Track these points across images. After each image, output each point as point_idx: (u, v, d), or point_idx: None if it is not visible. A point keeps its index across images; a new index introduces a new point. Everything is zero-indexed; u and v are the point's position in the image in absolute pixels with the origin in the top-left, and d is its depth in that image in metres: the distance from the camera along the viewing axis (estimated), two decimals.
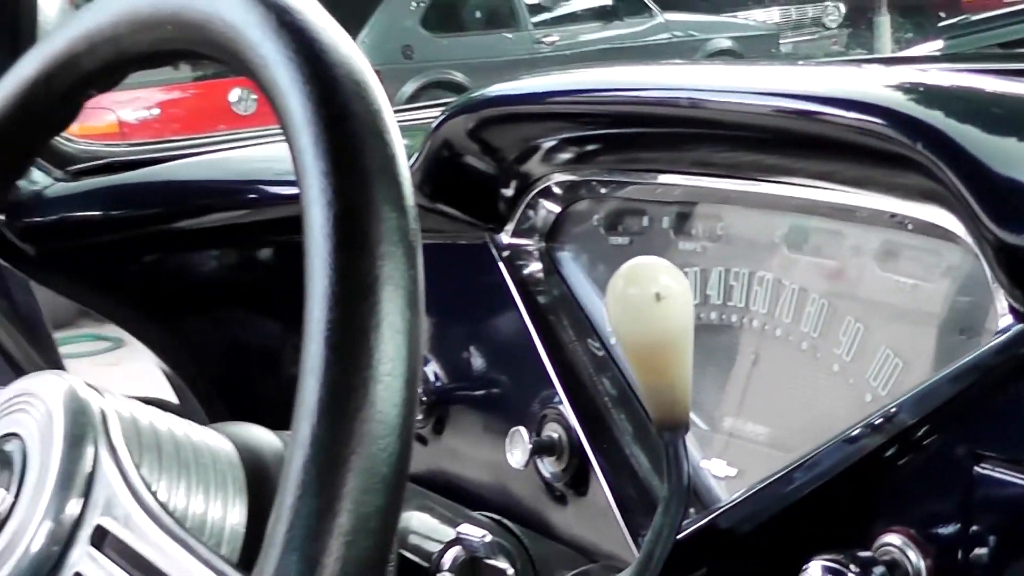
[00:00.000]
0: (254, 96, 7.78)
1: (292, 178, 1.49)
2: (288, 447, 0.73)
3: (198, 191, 1.67)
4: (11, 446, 0.89)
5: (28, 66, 1.01)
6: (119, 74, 0.99)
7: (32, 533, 0.85)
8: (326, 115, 0.78)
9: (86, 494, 0.85)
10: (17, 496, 0.86)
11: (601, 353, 1.32)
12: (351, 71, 0.80)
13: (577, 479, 1.27)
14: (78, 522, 0.84)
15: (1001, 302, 0.97)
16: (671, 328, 0.96)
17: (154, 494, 0.84)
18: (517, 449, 1.29)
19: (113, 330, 2.88)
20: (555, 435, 1.28)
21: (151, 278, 1.65)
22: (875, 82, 1.08)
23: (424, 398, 1.43)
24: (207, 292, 1.66)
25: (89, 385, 0.90)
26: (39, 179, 1.63)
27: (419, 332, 0.75)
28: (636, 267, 0.97)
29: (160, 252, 1.66)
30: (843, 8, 9.42)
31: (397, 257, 0.75)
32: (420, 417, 1.42)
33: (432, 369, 1.44)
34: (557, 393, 1.29)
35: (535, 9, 10.41)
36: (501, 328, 1.39)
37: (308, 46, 0.81)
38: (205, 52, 0.90)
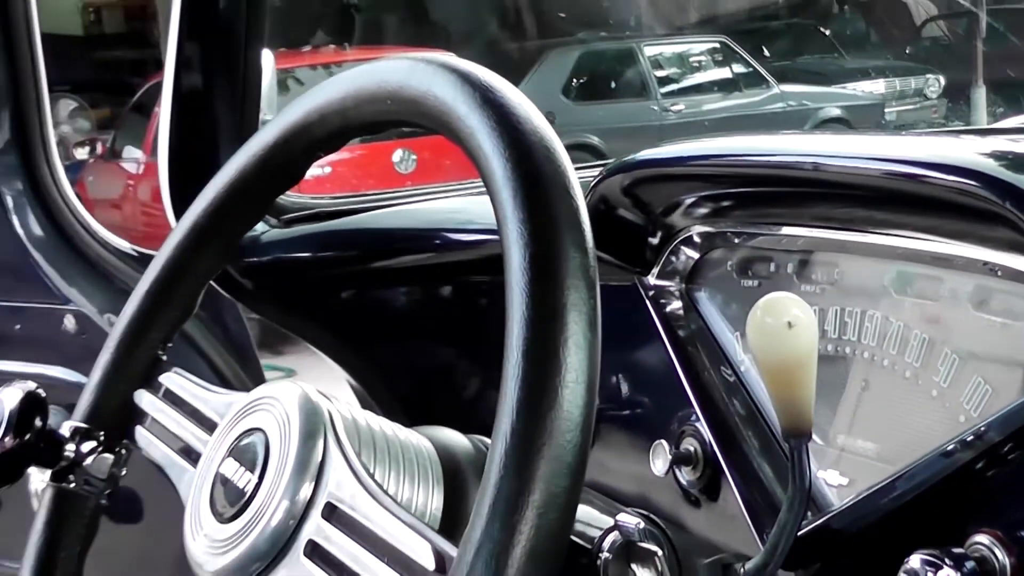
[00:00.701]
0: (414, 156, 7.74)
1: (472, 226, 1.58)
2: (492, 439, 0.78)
3: (391, 237, 1.69)
4: (255, 438, 0.94)
5: (269, 133, 1.07)
6: (342, 140, 1.04)
7: (273, 509, 0.89)
8: (523, 174, 0.84)
9: (318, 478, 0.90)
10: (261, 479, 0.91)
11: (732, 379, 1.32)
12: (542, 139, 0.86)
13: (710, 486, 1.28)
14: (311, 501, 0.89)
15: None
16: (800, 351, 0.99)
17: (372, 477, 0.89)
18: (659, 459, 1.31)
19: (286, 362, 2.92)
20: (692, 448, 1.29)
21: (349, 310, 1.67)
22: (970, 149, 1.09)
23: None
24: (395, 322, 1.68)
25: (319, 391, 0.96)
26: (258, 226, 1.64)
27: (597, 348, 0.80)
28: (772, 300, 1.00)
29: (357, 288, 1.68)
30: (943, 80, 9.23)
31: (580, 289, 0.81)
32: None
33: None
34: (695, 412, 1.30)
35: (663, 81, 10.32)
36: (646, 357, 1.39)
37: (507, 118, 0.86)
38: (419, 123, 0.95)
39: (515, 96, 0.90)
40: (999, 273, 1.08)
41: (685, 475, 1.30)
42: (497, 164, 0.85)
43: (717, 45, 9.12)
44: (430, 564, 0.82)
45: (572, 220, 0.84)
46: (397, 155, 7.81)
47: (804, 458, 1.03)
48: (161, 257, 1.13)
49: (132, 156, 9.37)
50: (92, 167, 8.86)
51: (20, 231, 1.80)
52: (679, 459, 1.30)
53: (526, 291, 0.81)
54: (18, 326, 1.81)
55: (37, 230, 1.80)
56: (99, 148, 8.88)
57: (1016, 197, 0.99)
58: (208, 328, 1.51)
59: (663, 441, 1.32)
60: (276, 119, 1.07)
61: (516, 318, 0.80)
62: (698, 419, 1.30)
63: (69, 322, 1.73)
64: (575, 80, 10.24)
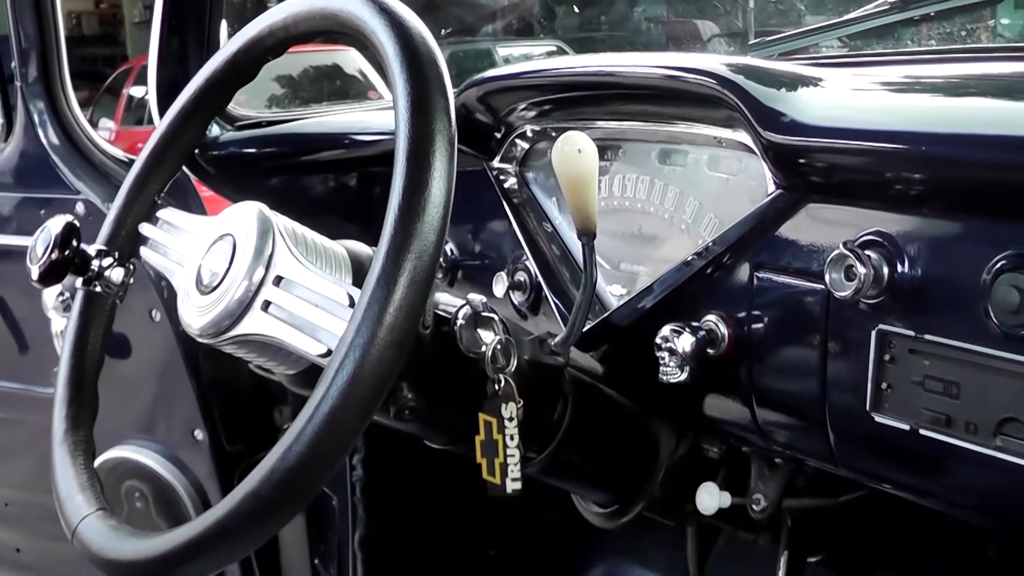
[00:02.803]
0: None
1: (371, 130, 1.59)
2: (379, 242, 0.84)
3: (313, 139, 1.70)
4: (225, 240, 0.99)
5: (235, 43, 1.11)
6: (285, 47, 1.09)
7: (239, 283, 0.94)
8: (411, 75, 0.88)
9: (268, 262, 0.95)
10: (230, 264, 0.96)
11: (550, 231, 1.37)
12: (430, 51, 0.90)
13: (535, 304, 1.34)
14: (264, 276, 0.94)
15: (770, 180, 1.06)
16: (586, 169, 1.05)
17: (304, 263, 0.95)
18: (499, 286, 1.37)
19: None
20: (522, 278, 1.35)
21: (283, 191, 1.68)
22: (716, 62, 1.12)
23: (443, 262, 1.45)
24: (316, 201, 1.69)
25: (268, 209, 1.00)
26: (217, 130, 1.67)
27: (450, 188, 0.86)
28: (568, 135, 1.06)
29: (289, 175, 1.70)
30: None
31: (445, 155, 0.86)
32: (440, 275, 1.45)
33: (449, 247, 1.46)
34: (525, 253, 1.35)
35: None
36: (492, 218, 1.41)
37: (400, 24, 0.91)
38: (338, 31, 0.99)
39: (407, 13, 0.93)
40: (723, 144, 1.16)
41: (517, 297, 1.36)
42: (395, 65, 0.89)
43: (554, 48, 9.03)
44: (345, 301, 0.90)
45: (444, 111, 0.87)
46: None
47: (592, 253, 1.09)
48: (158, 131, 1.17)
49: (106, 126, 9.18)
50: None
51: (44, 140, 1.84)
52: (513, 285, 1.36)
53: (407, 147, 0.85)
54: (43, 211, 1.84)
55: (55, 140, 1.84)
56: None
57: (734, 89, 1.06)
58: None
59: (502, 274, 1.38)
60: (239, 34, 1.11)
61: (400, 163, 0.85)
62: (527, 259, 1.35)
63: (79, 208, 1.79)
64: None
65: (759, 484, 1.22)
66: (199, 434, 1.77)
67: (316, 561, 1.81)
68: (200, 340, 0.99)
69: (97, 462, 1.07)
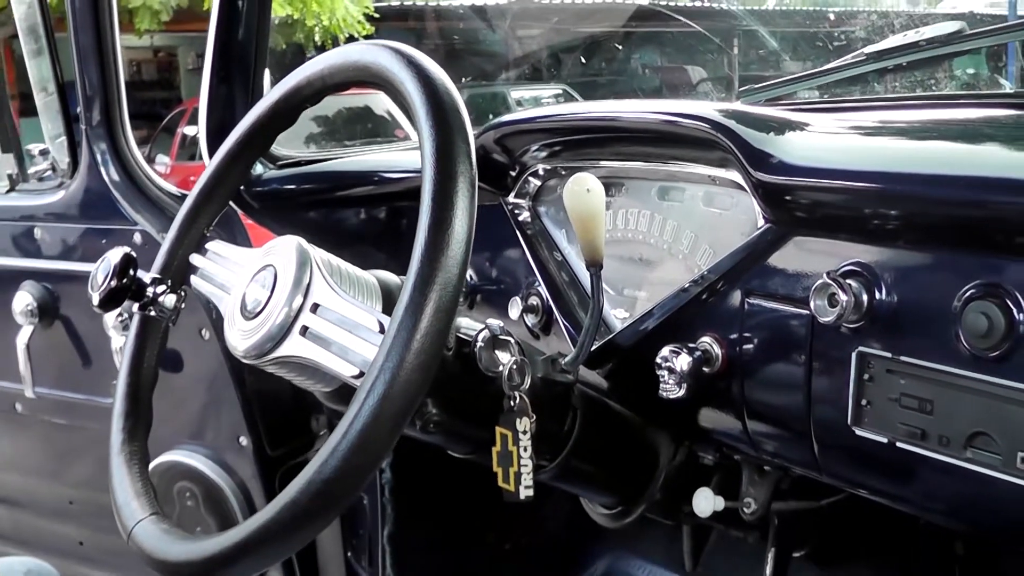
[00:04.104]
0: None
1: (399, 168, 1.58)
2: (408, 273, 0.83)
3: (347, 176, 1.69)
4: (268, 270, 0.98)
5: (276, 93, 1.10)
6: (321, 96, 1.07)
7: (279, 310, 0.94)
8: (435, 110, 0.88)
9: (307, 291, 0.94)
10: (272, 293, 0.95)
11: (560, 259, 1.36)
12: (449, 91, 0.90)
13: (546, 326, 1.33)
14: (303, 304, 0.93)
15: (759, 215, 1.05)
16: (593, 206, 1.05)
17: (339, 288, 0.94)
18: (514, 309, 1.36)
19: None
20: (535, 302, 1.34)
21: (320, 224, 1.68)
22: (709, 108, 1.12)
23: (464, 288, 1.45)
24: (349, 233, 1.68)
25: (306, 241, 0.99)
26: (261, 168, 1.67)
27: (472, 224, 0.85)
28: (578, 176, 1.06)
29: (326, 209, 1.68)
30: None
31: (466, 191, 0.85)
32: (461, 300, 1.48)
33: (469, 273, 1.38)
34: (537, 280, 1.34)
35: None
36: (507, 248, 1.40)
37: (426, 79, 0.90)
38: (369, 81, 0.98)
39: (432, 66, 0.93)
40: (717, 182, 1.16)
41: (530, 319, 1.35)
42: (422, 113, 0.88)
43: (560, 91, 9.05)
44: (375, 327, 0.89)
45: (467, 157, 0.87)
46: None
47: (599, 281, 1.09)
48: (208, 171, 1.16)
49: (162, 161, 9.21)
50: None
51: (106, 177, 1.83)
52: (527, 309, 1.35)
53: (432, 188, 0.84)
54: (104, 240, 1.84)
55: (116, 177, 1.83)
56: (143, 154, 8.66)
57: (726, 132, 1.06)
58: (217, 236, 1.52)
59: (516, 298, 1.37)
60: (280, 84, 1.10)
61: (426, 202, 0.84)
62: (539, 284, 1.34)
63: (137, 238, 1.78)
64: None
65: (750, 489, 1.21)
66: (244, 440, 1.76)
67: (349, 555, 1.80)
68: (244, 361, 0.98)
69: (151, 465, 1.06)
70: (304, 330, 0.93)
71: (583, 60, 10.31)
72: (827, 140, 1.08)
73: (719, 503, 1.19)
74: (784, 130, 1.09)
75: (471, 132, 0.89)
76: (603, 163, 1.30)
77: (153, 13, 9.15)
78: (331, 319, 0.92)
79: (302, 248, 0.98)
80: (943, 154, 1.01)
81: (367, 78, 0.99)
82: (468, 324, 1.03)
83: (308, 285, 0.95)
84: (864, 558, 1.45)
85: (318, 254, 0.98)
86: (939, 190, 0.91)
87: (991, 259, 0.87)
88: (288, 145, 1.75)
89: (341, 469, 0.81)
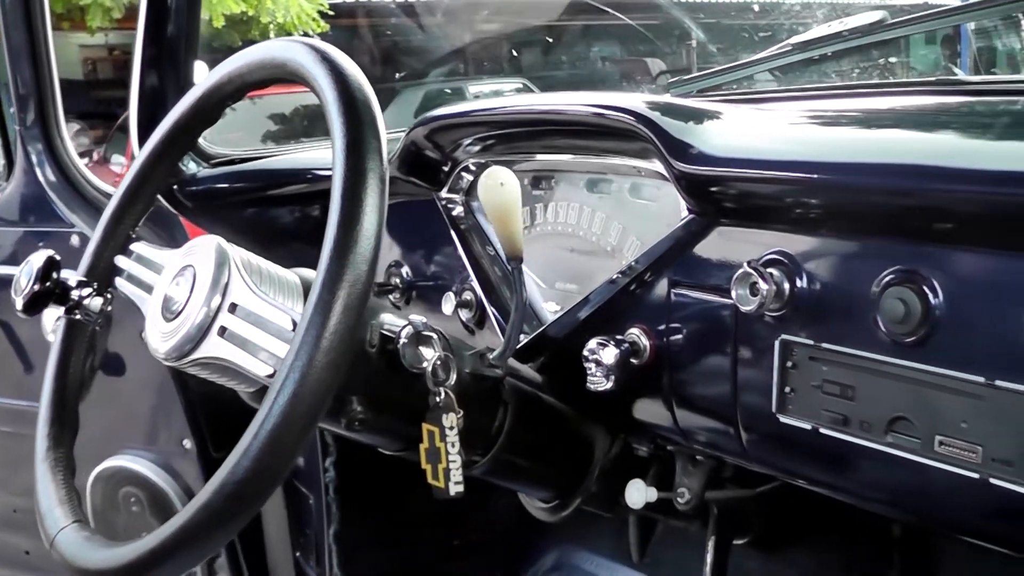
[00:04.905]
0: None
1: (330, 166, 1.55)
2: (316, 272, 0.83)
3: (280, 174, 1.68)
4: (187, 270, 0.97)
5: (196, 92, 1.09)
6: (242, 94, 1.07)
7: (198, 310, 0.93)
8: (347, 119, 0.87)
9: (224, 291, 0.93)
10: (191, 293, 0.94)
11: (493, 254, 1.36)
12: (365, 97, 0.89)
13: (479, 321, 1.33)
14: (221, 304, 0.92)
15: (683, 206, 1.06)
16: (509, 200, 1.05)
17: (259, 288, 0.94)
18: (448, 304, 1.35)
19: None
20: (468, 297, 1.34)
21: (252, 222, 1.66)
22: (637, 100, 1.12)
23: (399, 284, 1.44)
24: (282, 232, 1.67)
25: (226, 241, 0.98)
26: (193, 166, 1.65)
27: (381, 221, 0.84)
28: (491, 170, 1.06)
29: (258, 207, 1.67)
30: None
31: (376, 191, 0.84)
32: (397, 295, 1.44)
33: (404, 270, 1.45)
34: (470, 275, 1.34)
35: None
36: (441, 244, 1.40)
37: (339, 74, 0.90)
38: (288, 78, 0.98)
39: (346, 62, 0.92)
40: (643, 174, 1.16)
41: (464, 314, 1.35)
42: (331, 100, 0.88)
43: (520, 85, 9.02)
44: (289, 326, 0.89)
45: (376, 150, 0.86)
46: None
47: (521, 275, 1.09)
48: (131, 171, 1.15)
49: (118, 161, 9.11)
50: (91, 169, 8.57)
51: (41, 179, 1.81)
52: (461, 304, 1.35)
53: (341, 184, 0.84)
54: (41, 243, 1.80)
55: (52, 178, 1.81)
56: (95, 156, 8.60)
57: (649, 124, 1.06)
58: (156, 235, 1.50)
59: (450, 293, 1.37)
60: (200, 84, 1.10)
61: (336, 200, 0.84)
62: (472, 280, 1.34)
63: (74, 240, 1.75)
64: (423, 111, 9.89)
65: (683, 479, 1.21)
66: (188, 443, 1.74)
67: (298, 555, 1.80)
68: (166, 363, 0.97)
69: (96, 471, 1.05)
70: (222, 331, 0.92)
71: (543, 53, 10.31)
72: (748, 130, 1.08)
73: (651, 494, 1.19)
74: (706, 121, 1.09)
75: (383, 128, 0.88)
76: (535, 157, 1.30)
77: (105, 10, 9.02)
78: (248, 319, 0.92)
79: (221, 248, 0.97)
80: (863, 143, 1.02)
81: (284, 75, 0.98)
82: (392, 321, 1.02)
83: (226, 285, 0.94)
84: (807, 544, 1.46)
85: (237, 253, 0.97)
86: (857, 178, 0.91)
87: (909, 246, 0.87)
88: (244, 144, 1.74)
89: (253, 470, 0.80)
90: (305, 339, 0.80)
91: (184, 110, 1.11)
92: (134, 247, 1.13)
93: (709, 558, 1.36)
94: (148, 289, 1.07)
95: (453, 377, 1.02)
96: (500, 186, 1.03)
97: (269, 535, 1.84)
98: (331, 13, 9.41)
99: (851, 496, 1.01)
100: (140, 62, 1.62)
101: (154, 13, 1.60)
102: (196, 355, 0.94)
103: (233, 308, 0.93)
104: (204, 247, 0.98)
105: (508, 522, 1.76)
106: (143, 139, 1.62)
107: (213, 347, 0.93)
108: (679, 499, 1.21)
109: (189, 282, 0.96)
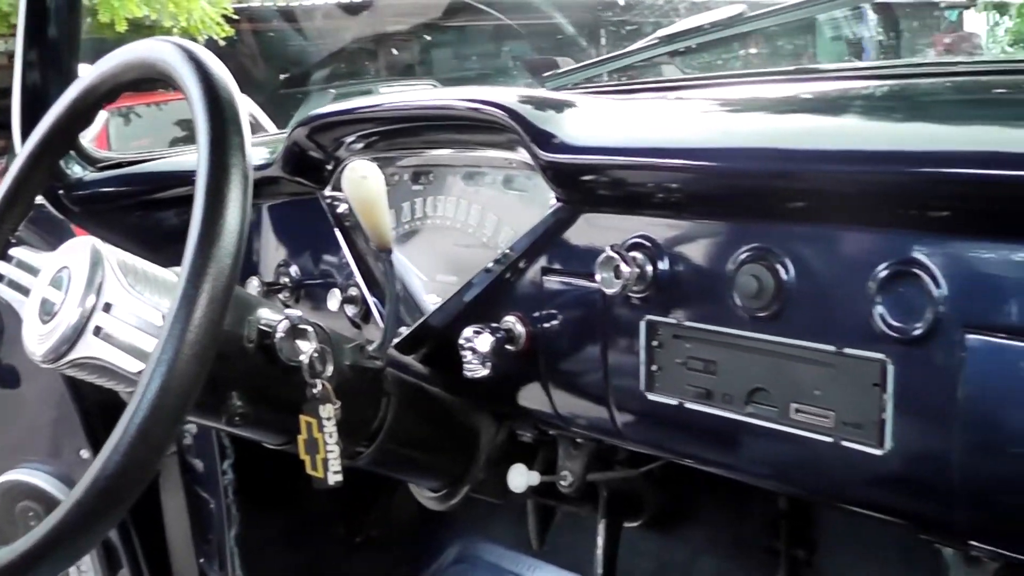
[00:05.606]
0: None
1: None
2: (182, 266, 0.83)
3: (164, 177, 1.66)
4: (63, 272, 0.97)
5: (73, 91, 1.09)
6: (116, 94, 1.07)
7: (73, 311, 0.93)
8: (211, 116, 0.88)
9: (99, 291, 0.93)
10: (66, 295, 0.95)
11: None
12: (229, 95, 0.90)
13: (365, 315, 1.33)
14: (95, 304, 0.93)
15: (552, 194, 1.08)
16: (373, 193, 1.06)
17: (133, 288, 0.95)
18: (333, 300, 1.35)
19: None
20: (355, 293, 1.34)
21: (139, 226, 1.64)
22: (509, 94, 1.13)
23: (288, 283, 1.44)
24: (169, 234, 1.60)
25: (101, 243, 0.99)
26: (79, 170, 1.63)
27: (245, 216, 0.85)
28: (354, 164, 1.06)
29: (144, 210, 1.65)
30: None
31: (239, 187, 0.85)
32: (287, 294, 1.44)
33: (293, 268, 1.44)
34: (354, 271, 1.34)
35: None
36: (327, 242, 1.39)
37: (205, 79, 0.91)
38: (158, 78, 0.98)
39: (212, 61, 0.93)
40: (514, 165, 1.19)
41: (350, 310, 1.35)
42: (196, 99, 0.89)
43: (431, 86, 9.04)
44: (160, 322, 0.90)
45: (239, 149, 0.87)
46: None
47: (391, 267, 1.10)
48: (9, 174, 1.14)
49: None
50: None
51: None
52: (346, 300, 1.35)
53: (205, 180, 0.85)
54: None
55: None
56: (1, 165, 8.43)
57: (515, 117, 1.09)
58: (45, 241, 1.47)
59: (336, 290, 1.37)
60: (73, 86, 1.09)
61: (200, 196, 0.85)
62: (356, 275, 1.35)
63: None
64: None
65: (566, 463, 1.23)
66: (85, 453, 1.73)
67: (201, 560, 1.79)
68: (43, 366, 0.97)
69: None
70: (97, 330, 0.93)
71: (454, 55, 10.33)
72: (610, 120, 1.11)
73: (534, 478, 1.21)
74: (571, 112, 1.11)
75: (246, 126, 0.89)
76: (415, 152, 1.31)
77: (3, 16, 8.80)
78: (123, 318, 0.93)
79: (95, 248, 0.97)
80: (719, 128, 1.05)
81: (154, 75, 0.99)
82: (269, 315, 1.03)
83: (100, 285, 0.94)
84: (699, 521, 1.51)
85: (112, 253, 0.98)
86: (709, 163, 0.94)
87: (761, 226, 0.91)
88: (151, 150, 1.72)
89: (123, 464, 0.80)
90: (171, 333, 0.81)
91: (59, 112, 1.11)
92: (13, 252, 1.12)
93: (600, 540, 1.39)
94: (27, 293, 1.06)
95: (330, 369, 1.03)
96: (363, 179, 1.05)
97: (172, 543, 1.82)
98: (235, 17, 9.33)
99: (725, 469, 1.04)
100: (21, 65, 1.60)
101: (33, 15, 1.58)
102: (72, 356, 0.94)
103: (108, 308, 0.93)
104: (79, 248, 0.98)
105: (410, 517, 1.78)
106: (24, 126, 1.60)
107: (88, 347, 0.93)
108: (563, 482, 1.23)
109: (64, 283, 0.96)
